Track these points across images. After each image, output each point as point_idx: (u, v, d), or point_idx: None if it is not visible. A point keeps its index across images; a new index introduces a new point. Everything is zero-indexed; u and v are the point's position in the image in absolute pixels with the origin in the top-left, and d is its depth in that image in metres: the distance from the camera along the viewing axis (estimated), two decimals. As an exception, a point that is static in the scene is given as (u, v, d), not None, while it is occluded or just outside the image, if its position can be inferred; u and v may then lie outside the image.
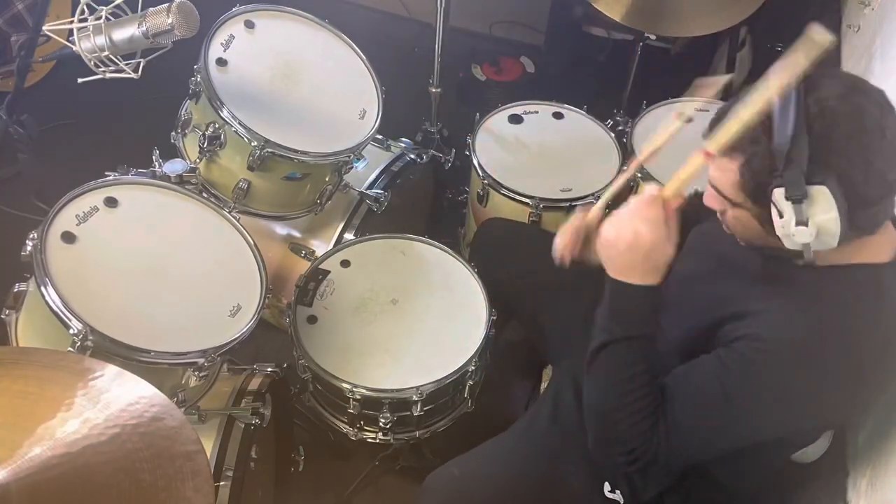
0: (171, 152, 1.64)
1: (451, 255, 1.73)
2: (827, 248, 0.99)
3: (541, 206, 1.82)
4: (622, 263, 1.10)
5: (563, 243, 1.25)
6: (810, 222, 0.96)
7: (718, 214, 1.13)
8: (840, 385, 1.03)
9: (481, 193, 1.90)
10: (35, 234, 1.26)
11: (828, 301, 1.05)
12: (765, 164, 0.98)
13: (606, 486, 1.30)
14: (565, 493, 1.33)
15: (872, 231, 1.04)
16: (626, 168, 1.36)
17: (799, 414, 1.07)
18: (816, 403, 1.06)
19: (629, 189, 1.84)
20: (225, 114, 1.51)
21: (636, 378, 1.10)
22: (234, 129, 1.52)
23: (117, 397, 0.85)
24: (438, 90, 2.30)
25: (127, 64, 1.38)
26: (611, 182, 1.45)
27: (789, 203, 0.96)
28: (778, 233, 1.00)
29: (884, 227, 1.05)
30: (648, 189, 1.11)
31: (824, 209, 0.96)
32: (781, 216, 0.98)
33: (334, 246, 1.81)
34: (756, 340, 1.05)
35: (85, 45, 1.34)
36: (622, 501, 1.30)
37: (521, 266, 1.66)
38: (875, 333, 1.03)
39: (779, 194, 0.97)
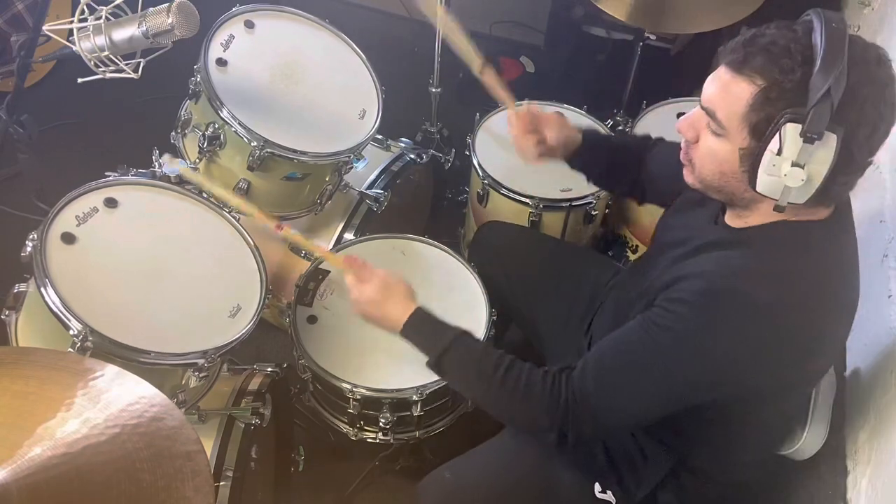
0: (171, 152, 1.63)
1: (451, 255, 1.73)
2: (794, 202, 0.96)
3: (541, 206, 1.82)
4: (386, 326, 1.27)
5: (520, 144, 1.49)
6: (806, 167, 0.92)
7: (682, 146, 1.09)
8: (763, 337, 1.00)
9: (481, 193, 1.90)
10: (35, 235, 1.26)
11: (749, 253, 1.03)
12: (786, 94, 0.92)
13: (597, 487, 1.31)
14: (556, 495, 1.33)
15: (829, 204, 1.01)
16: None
17: (727, 364, 1.02)
18: (744, 353, 1.01)
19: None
20: (225, 114, 1.51)
21: (481, 369, 1.17)
22: (233, 129, 1.52)
23: (117, 397, 0.85)
24: (438, 90, 2.30)
25: (127, 64, 1.37)
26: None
27: (800, 140, 0.91)
28: (762, 170, 0.95)
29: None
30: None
31: (822, 159, 0.92)
32: (780, 153, 0.93)
33: (334, 246, 1.81)
34: (679, 293, 1.03)
35: (85, 45, 1.34)
36: (613, 502, 1.30)
37: (519, 269, 1.66)
38: (800, 285, 1.00)
39: (792, 129, 0.91)
